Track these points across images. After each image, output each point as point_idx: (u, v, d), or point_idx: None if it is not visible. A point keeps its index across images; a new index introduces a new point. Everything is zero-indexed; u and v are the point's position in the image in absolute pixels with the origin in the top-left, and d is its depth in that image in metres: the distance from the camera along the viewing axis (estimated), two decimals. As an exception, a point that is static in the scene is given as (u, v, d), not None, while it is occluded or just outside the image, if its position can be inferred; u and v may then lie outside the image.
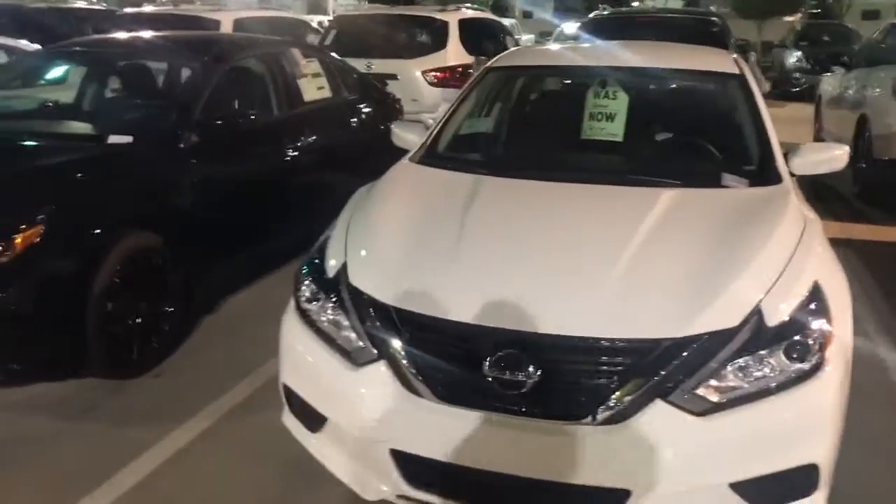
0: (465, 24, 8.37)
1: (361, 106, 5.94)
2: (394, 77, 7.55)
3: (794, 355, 2.20)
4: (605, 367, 2.15)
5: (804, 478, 2.21)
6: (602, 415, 2.11)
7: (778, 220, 2.67)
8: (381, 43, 8.03)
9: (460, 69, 7.96)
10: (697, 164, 3.32)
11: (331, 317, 2.53)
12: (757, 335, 2.19)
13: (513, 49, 4.57)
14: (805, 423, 2.19)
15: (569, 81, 4.05)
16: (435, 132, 3.64)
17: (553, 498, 2.19)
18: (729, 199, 2.93)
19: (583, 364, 2.17)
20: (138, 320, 3.62)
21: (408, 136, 3.73)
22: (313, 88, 5.33)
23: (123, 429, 3.23)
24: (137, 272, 3.56)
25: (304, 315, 2.60)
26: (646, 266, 2.40)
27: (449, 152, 3.55)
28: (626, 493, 2.11)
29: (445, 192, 3.04)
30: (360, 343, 2.40)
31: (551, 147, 3.51)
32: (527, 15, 33.41)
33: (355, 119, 5.81)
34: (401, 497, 2.35)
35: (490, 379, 2.18)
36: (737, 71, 3.71)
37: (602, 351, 2.16)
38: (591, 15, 7.95)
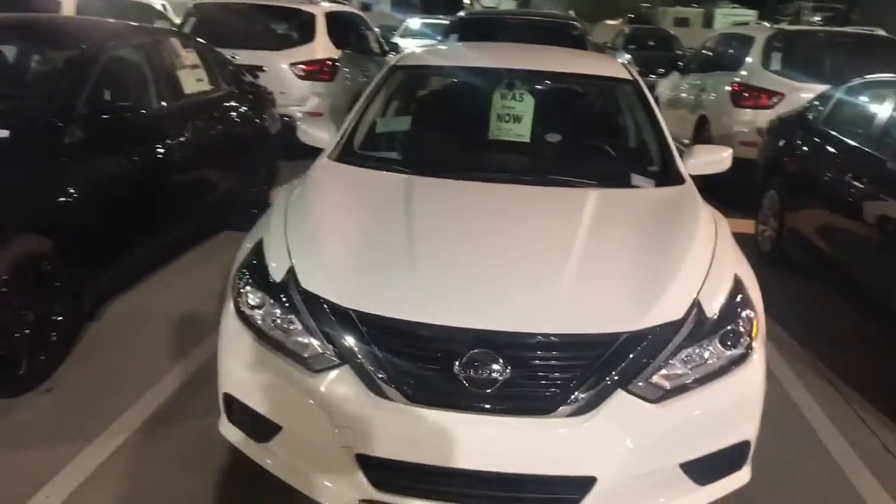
0: (331, 17, 8.26)
1: (239, 99, 5.74)
2: (260, 69, 7.32)
3: (728, 342, 2.41)
4: (570, 362, 2.25)
5: (738, 453, 2.43)
6: (569, 407, 2.20)
7: (696, 220, 2.89)
8: (246, 34, 7.76)
9: (329, 62, 7.86)
10: (609, 166, 3.51)
11: (278, 322, 2.46)
12: (698, 326, 2.37)
13: (425, 49, 4.60)
14: (740, 404, 2.40)
15: (472, 82, 4.13)
16: (349, 130, 3.60)
17: (522, 489, 2.25)
18: (646, 199, 3.13)
19: (550, 360, 2.26)
20: (26, 331, 3.32)
21: (318, 134, 3.67)
22: (192, 80, 5.09)
23: (25, 452, 2.96)
24: (24, 279, 3.26)
25: (247, 321, 2.51)
26: (593, 263, 2.53)
27: (368, 151, 3.53)
28: (591, 480, 2.21)
29: (379, 192, 3.03)
30: (318, 348, 2.36)
31: (466, 147, 3.59)
32: (365, 7, 33.33)
33: (234, 112, 5.61)
34: (364, 502, 2.33)
35: (461, 378, 2.21)
36: (630, 77, 3.96)
37: (568, 346, 2.26)
38: (460, 14, 8.09)
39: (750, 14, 42.34)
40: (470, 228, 2.76)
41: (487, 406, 2.22)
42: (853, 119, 5.05)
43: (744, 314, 2.49)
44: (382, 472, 2.28)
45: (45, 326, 3.44)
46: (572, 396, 2.21)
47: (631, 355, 2.26)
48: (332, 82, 7.91)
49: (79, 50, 4.11)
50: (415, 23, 19.93)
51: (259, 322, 2.49)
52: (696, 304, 2.42)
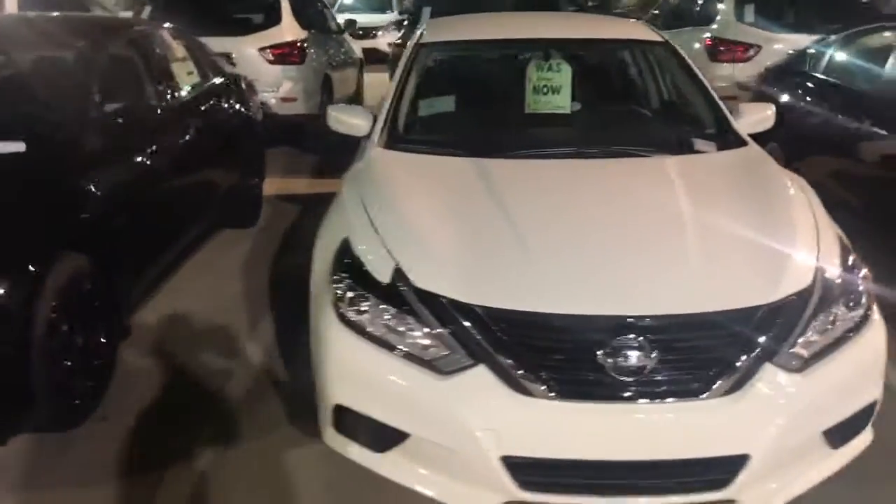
0: (295, -3, 7.95)
1: (226, 89, 5.47)
2: (228, 56, 7.00)
3: (851, 305, 2.38)
4: (717, 340, 2.19)
5: (867, 414, 2.42)
6: (721, 387, 2.15)
7: (785, 184, 2.86)
8: (208, 20, 7.35)
9: (299, 45, 7.57)
10: (668, 132, 3.45)
11: (391, 325, 2.33)
12: (826, 291, 2.34)
13: (433, 21, 4.42)
14: (868, 366, 2.38)
15: (504, 54, 4.01)
16: (390, 115, 3.44)
17: (675, 474, 2.20)
18: (724, 163, 3.09)
19: (697, 340, 2.19)
20: (76, 357, 3.08)
21: (352, 121, 3.51)
22: (184, 74, 4.81)
23: (102, 488, 2.76)
24: (70, 302, 3.03)
25: (354, 327, 2.37)
26: (710, 237, 2.47)
27: (418, 135, 3.39)
28: (745, 458, 2.17)
29: (454, 178, 2.91)
30: (445, 350, 2.24)
31: (518, 123, 3.47)
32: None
33: (226, 104, 5.35)
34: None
35: (607, 367, 2.13)
36: (661, 39, 3.89)
37: (712, 325, 2.20)
38: None
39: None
40: (567, 209, 2.66)
41: (637, 394, 2.14)
42: (859, 65, 5.09)
43: (860, 275, 2.47)
44: (529, 472, 2.20)
45: (91, 349, 3.21)
46: (724, 375, 2.15)
47: (772, 328, 2.21)
48: (303, 65, 7.63)
49: (76, 50, 3.81)
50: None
51: (370, 328, 2.35)
52: (820, 270, 2.38)
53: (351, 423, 2.43)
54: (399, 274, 2.38)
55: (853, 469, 2.43)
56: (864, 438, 2.47)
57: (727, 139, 3.28)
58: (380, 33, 17.79)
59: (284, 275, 4.81)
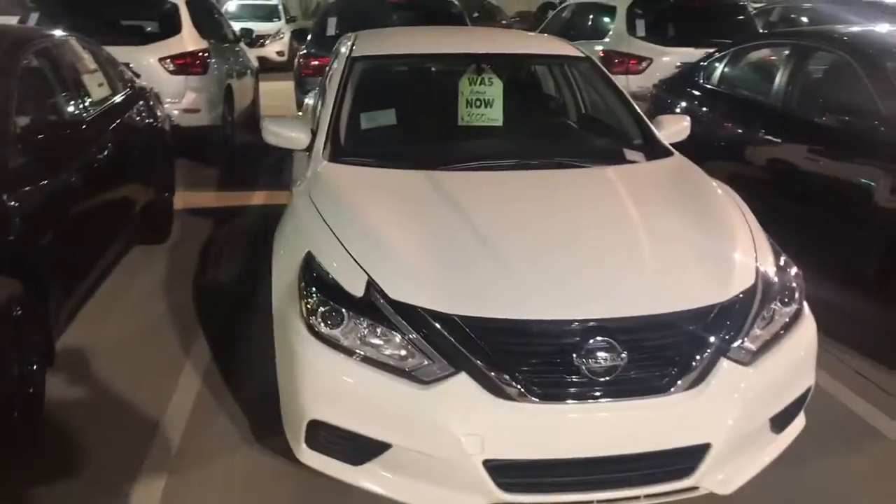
0: (192, 5, 7.73)
1: (136, 100, 5.28)
2: (127, 66, 6.73)
3: (786, 300, 2.61)
4: (679, 338, 2.35)
5: (802, 401, 2.65)
6: (685, 382, 2.31)
7: (715, 191, 3.09)
8: (102, 29, 7.03)
9: (201, 54, 7.37)
10: (600, 144, 3.63)
11: (366, 339, 2.36)
12: (766, 289, 2.55)
13: (363, 34, 4.43)
14: (804, 356, 2.61)
15: (437, 68, 4.09)
16: (331, 128, 3.44)
17: (645, 465, 2.33)
18: (658, 172, 3.28)
19: (662, 339, 2.34)
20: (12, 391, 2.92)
21: (291, 134, 3.51)
22: (95, 85, 4.61)
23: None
24: (6, 329, 2.86)
25: (328, 342, 2.39)
26: (661, 241, 2.63)
27: (364, 148, 3.42)
28: (706, 447, 2.33)
29: (410, 191, 2.95)
30: (424, 360, 2.29)
31: (459, 136, 3.55)
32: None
33: (137, 116, 5.16)
34: (493, 507, 2.32)
35: (583, 369, 2.24)
36: (582, 54, 4.08)
37: (675, 324, 2.35)
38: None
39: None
40: (525, 218, 2.77)
41: (610, 393, 2.27)
42: (753, 75, 5.50)
43: (792, 272, 2.70)
44: (510, 474, 2.28)
45: (24, 380, 3.05)
46: (687, 371, 2.31)
47: (726, 324, 2.40)
48: (206, 75, 7.44)
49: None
50: (233, 5, 19.03)
51: (344, 341, 2.38)
52: (759, 270, 2.59)
53: (325, 437, 2.44)
54: (372, 286, 2.41)
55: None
56: (799, 423, 2.69)
57: (654, 149, 3.49)
58: (267, 42, 17.55)
59: (208, 291, 4.71)
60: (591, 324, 2.28)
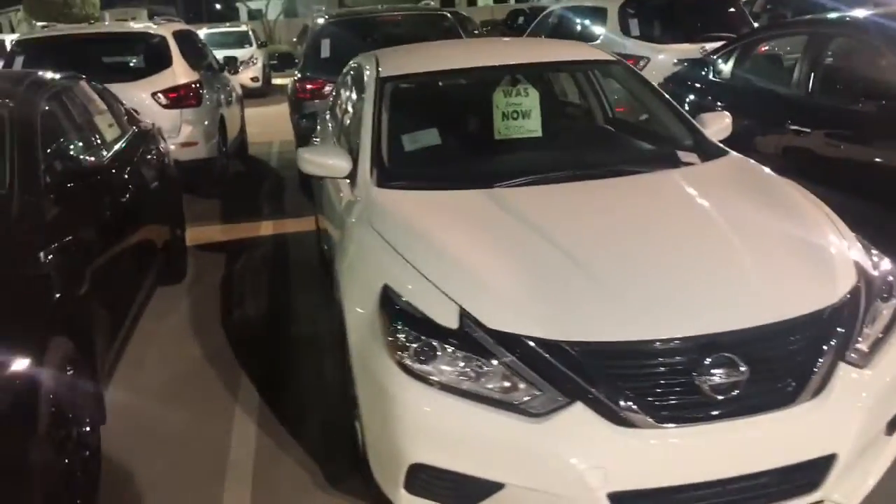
0: (180, 37, 7.57)
1: (142, 138, 5.11)
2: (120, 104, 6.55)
3: (885, 295, 2.51)
4: (796, 346, 2.24)
5: None
6: (809, 391, 2.20)
7: (790, 188, 2.99)
8: (90, 67, 6.83)
9: (194, 86, 7.20)
10: (652, 147, 3.52)
11: (467, 372, 2.23)
12: (868, 286, 2.45)
13: (391, 51, 4.30)
14: None
15: (469, 82, 3.98)
16: (373, 153, 3.31)
17: (774, 482, 2.22)
18: (721, 173, 3.18)
19: (780, 348, 2.23)
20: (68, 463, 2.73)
21: (330, 162, 3.36)
22: (107, 127, 4.45)
23: None
24: (62, 391, 2.68)
25: (426, 379, 2.25)
26: (755, 246, 2.52)
27: (413, 171, 3.30)
28: (833, 457, 2.22)
29: (478, 212, 2.82)
30: (533, 391, 2.16)
31: (508, 150, 3.44)
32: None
33: (147, 154, 4.99)
34: (616, 539, 2.18)
35: (705, 388, 2.13)
36: (615, 58, 3.99)
37: (790, 331, 2.24)
38: (323, 19, 7.60)
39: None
40: (608, 232, 2.65)
41: (734, 411, 2.15)
42: (771, 66, 5.44)
43: (885, 266, 2.60)
44: (634, 503, 2.15)
45: (81, 443, 2.86)
46: (808, 380, 2.20)
47: (839, 327, 2.29)
48: (200, 107, 7.27)
49: (6, 109, 3.42)
50: (202, 34, 18.83)
51: (441, 377, 2.24)
52: (859, 266, 2.50)
53: (428, 481, 2.30)
54: (466, 317, 2.27)
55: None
56: (909, 424, 2.59)
57: (707, 149, 3.38)
58: (241, 68, 17.39)
59: (240, 330, 4.54)
60: (708, 339, 2.17)
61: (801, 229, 2.66)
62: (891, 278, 2.57)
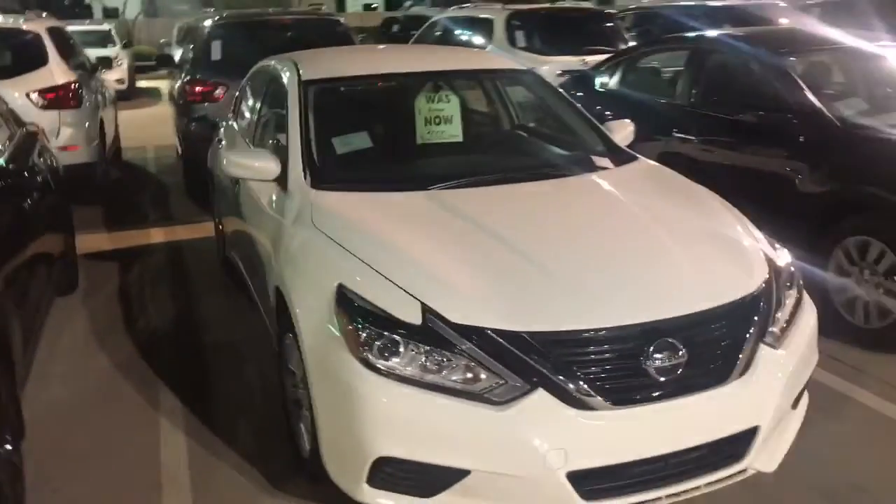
0: (56, 34, 7.15)
1: (31, 142, 4.83)
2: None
3: (788, 283, 2.82)
4: (725, 330, 2.47)
5: (808, 374, 2.86)
6: (738, 370, 2.44)
7: (699, 188, 3.26)
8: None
9: (73, 86, 6.83)
10: (569, 152, 3.72)
11: (429, 366, 2.32)
12: (776, 276, 2.74)
13: (306, 54, 4.27)
14: (811, 333, 2.80)
15: (392, 87, 4.05)
16: (304, 156, 3.32)
17: (708, 455, 2.43)
18: (637, 176, 3.42)
19: (713, 332, 2.45)
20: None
21: (259, 164, 3.35)
22: (-3, 128, 4.19)
23: None
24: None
25: (388, 374, 2.32)
26: (683, 240, 2.76)
27: (349, 173, 3.34)
28: (755, 429, 2.48)
29: (423, 212, 2.93)
30: (496, 380, 2.28)
31: (440, 153, 3.55)
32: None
33: (38, 156, 4.71)
34: (575, 517, 2.33)
35: (651, 370, 2.32)
36: (523, 67, 4.19)
37: (721, 317, 2.47)
38: (212, 20, 7.36)
39: (377, -5, 44.99)
40: (549, 229, 2.81)
41: (676, 390, 2.35)
42: (654, 78, 5.85)
43: (788, 259, 2.91)
44: (590, 482, 2.31)
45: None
46: (738, 360, 2.44)
47: (759, 312, 2.55)
48: (81, 108, 6.90)
49: None
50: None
51: (405, 371, 2.32)
52: (768, 258, 2.79)
53: (391, 473, 2.36)
54: (429, 312, 2.36)
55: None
56: (806, 398, 2.91)
57: (619, 155, 3.63)
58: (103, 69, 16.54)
59: (148, 339, 4.38)
60: (651, 326, 2.36)
61: (718, 226, 2.93)
62: (792, 269, 2.87)
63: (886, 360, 3.77)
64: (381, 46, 5.44)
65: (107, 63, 8.99)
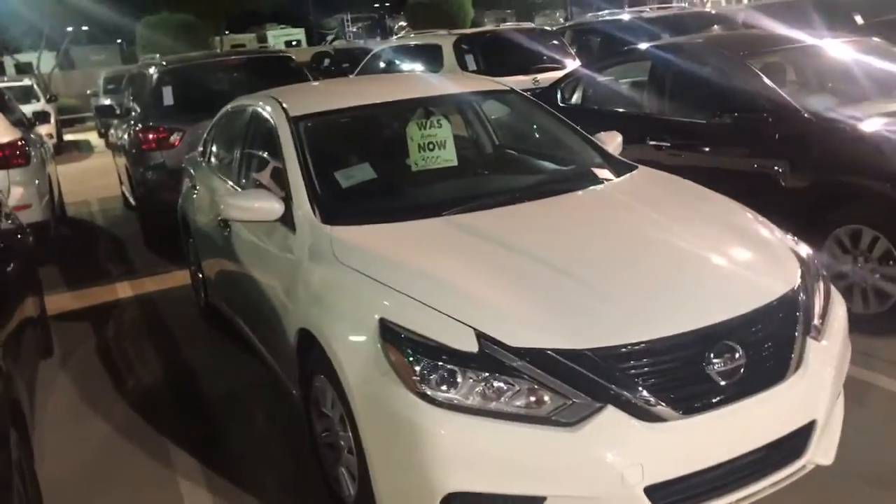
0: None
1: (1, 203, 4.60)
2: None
3: (816, 276, 2.85)
4: (777, 327, 2.47)
5: (847, 363, 2.87)
6: (793, 366, 2.44)
7: (707, 191, 3.29)
8: None
9: (20, 144, 6.57)
10: (570, 167, 3.71)
11: (489, 394, 2.25)
12: (807, 269, 2.77)
13: (283, 91, 4.16)
14: (844, 322, 2.81)
15: (381, 117, 3.99)
16: (309, 192, 3.23)
17: (775, 451, 2.42)
18: (645, 184, 3.43)
19: (765, 331, 2.45)
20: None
21: (262, 205, 3.25)
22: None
23: None
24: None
25: (450, 406, 2.24)
26: (715, 243, 2.78)
27: (360, 206, 3.26)
28: (813, 423, 2.48)
29: (447, 239, 2.87)
30: (563, 401, 2.22)
31: (445, 179, 3.50)
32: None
33: (8, 220, 4.49)
34: (652, 530, 2.28)
35: (714, 375, 2.30)
36: (506, 87, 4.20)
37: (771, 314, 2.48)
38: (157, 67, 7.12)
39: (297, 32, 44.95)
40: (581, 245, 2.78)
41: (739, 392, 2.34)
42: (620, 89, 5.94)
43: (809, 251, 2.95)
44: (665, 494, 2.27)
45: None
46: (792, 356, 2.45)
47: (802, 306, 2.57)
48: (30, 166, 6.63)
49: None
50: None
51: (467, 401, 2.25)
52: (795, 252, 2.82)
53: (467, 508, 2.28)
54: (484, 339, 2.30)
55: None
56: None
57: (618, 165, 3.64)
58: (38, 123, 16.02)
59: (145, 397, 4.18)
60: (708, 331, 2.35)
61: (741, 225, 2.96)
62: (816, 260, 2.91)
63: (893, 343, 3.86)
64: (352, 77, 5.36)
65: (45, 118, 8.67)
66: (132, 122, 7.36)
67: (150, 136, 6.85)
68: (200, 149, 5.18)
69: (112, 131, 9.23)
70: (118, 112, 8.92)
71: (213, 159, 4.84)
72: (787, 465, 2.47)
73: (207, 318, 5.12)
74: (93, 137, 20.57)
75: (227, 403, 3.99)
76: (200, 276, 5.08)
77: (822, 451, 2.55)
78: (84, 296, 6.19)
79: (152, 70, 7.38)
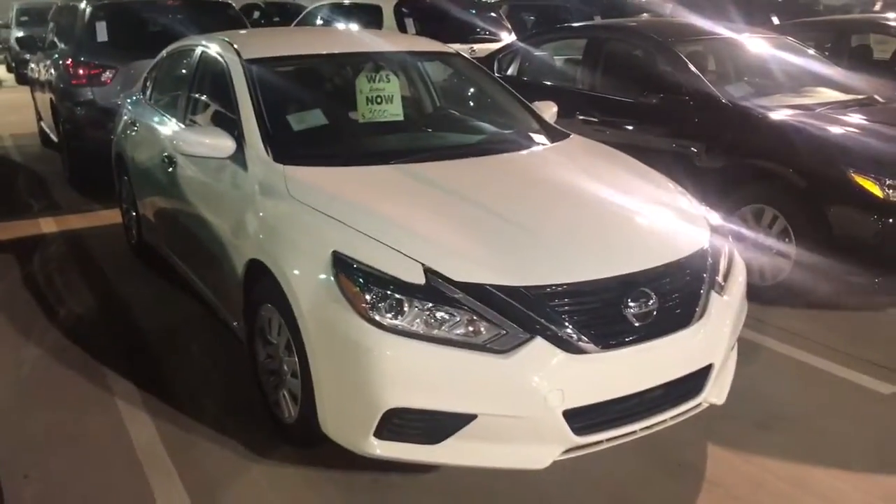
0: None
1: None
2: None
3: (720, 239, 3.20)
4: (687, 279, 2.80)
5: (743, 318, 3.24)
6: (697, 315, 2.77)
7: (633, 160, 3.60)
8: None
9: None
10: (510, 130, 3.95)
11: (433, 321, 2.49)
12: (714, 233, 3.12)
13: (236, 35, 4.21)
14: (743, 282, 3.17)
15: (334, 67, 4.12)
16: (262, 132, 3.37)
17: (676, 388, 2.75)
18: (578, 149, 3.72)
19: (677, 282, 2.77)
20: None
21: (216, 141, 3.37)
22: None
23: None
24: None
25: (394, 330, 2.47)
26: (640, 202, 3.08)
27: (311, 149, 3.41)
28: (710, 367, 2.82)
29: (399, 184, 3.08)
30: (498, 331, 2.48)
31: (387, 131, 3.68)
32: None
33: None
34: (566, 451, 2.58)
35: (631, 316, 2.60)
36: (453, 51, 4.40)
37: (684, 268, 2.80)
38: (92, 2, 6.91)
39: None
40: (518, 197, 3.04)
41: (651, 333, 2.64)
42: (556, 64, 6.22)
43: (718, 219, 3.30)
44: (581, 418, 2.56)
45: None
46: (697, 306, 2.78)
47: (709, 263, 2.91)
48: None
49: None
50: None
51: (412, 327, 2.48)
52: (707, 219, 3.16)
53: (400, 424, 2.51)
54: (431, 273, 2.53)
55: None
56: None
57: (553, 133, 3.91)
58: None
59: (77, 327, 4.24)
60: (629, 278, 2.64)
61: (661, 189, 3.29)
62: (723, 227, 3.26)
63: (782, 313, 4.30)
64: (304, 27, 5.39)
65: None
66: (59, 57, 7.18)
67: (81, 71, 6.73)
68: (141, 87, 5.18)
69: (32, 66, 8.94)
70: (41, 46, 8.65)
71: (156, 98, 4.86)
72: (686, 402, 2.80)
73: (140, 256, 5.16)
74: (0, 71, 19.64)
75: (162, 335, 4.10)
76: (134, 213, 5.10)
77: (716, 392, 2.90)
78: (6, 228, 6.09)
79: (84, 4, 7.20)
